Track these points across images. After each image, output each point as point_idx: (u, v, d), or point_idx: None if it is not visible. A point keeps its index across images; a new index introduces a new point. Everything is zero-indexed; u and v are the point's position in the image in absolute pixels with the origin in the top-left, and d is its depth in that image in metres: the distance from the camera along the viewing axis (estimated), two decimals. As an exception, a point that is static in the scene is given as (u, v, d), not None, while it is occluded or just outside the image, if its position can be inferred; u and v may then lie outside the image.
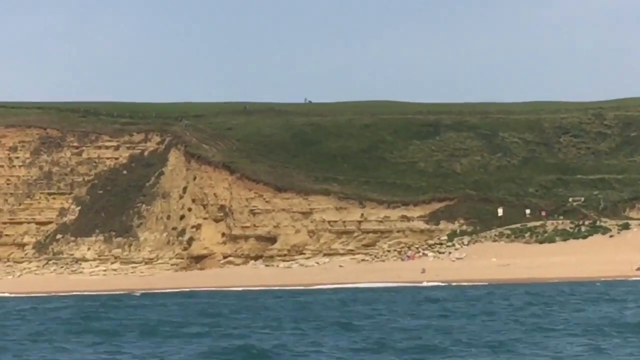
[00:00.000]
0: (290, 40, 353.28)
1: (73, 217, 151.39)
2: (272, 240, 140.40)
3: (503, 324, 51.53)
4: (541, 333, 45.42)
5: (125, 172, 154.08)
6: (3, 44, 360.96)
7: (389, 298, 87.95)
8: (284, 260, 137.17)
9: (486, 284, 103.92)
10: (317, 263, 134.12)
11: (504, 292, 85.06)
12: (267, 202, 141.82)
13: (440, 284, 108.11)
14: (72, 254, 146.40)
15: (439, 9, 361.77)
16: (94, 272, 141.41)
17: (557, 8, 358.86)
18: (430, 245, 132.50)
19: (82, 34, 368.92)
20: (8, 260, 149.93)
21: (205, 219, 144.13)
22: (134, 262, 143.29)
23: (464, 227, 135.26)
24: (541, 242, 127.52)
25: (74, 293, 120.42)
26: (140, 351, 41.57)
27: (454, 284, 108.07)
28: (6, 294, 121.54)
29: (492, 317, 56.60)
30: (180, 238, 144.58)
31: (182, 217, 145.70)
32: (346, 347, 42.91)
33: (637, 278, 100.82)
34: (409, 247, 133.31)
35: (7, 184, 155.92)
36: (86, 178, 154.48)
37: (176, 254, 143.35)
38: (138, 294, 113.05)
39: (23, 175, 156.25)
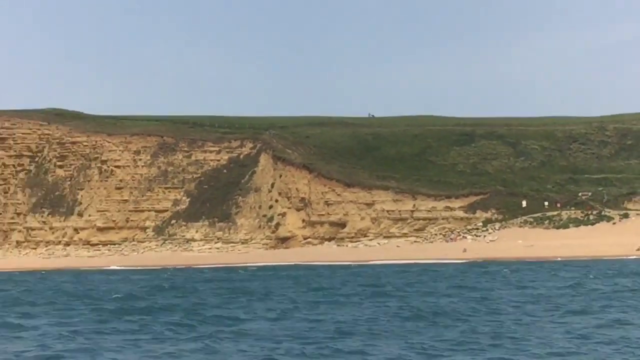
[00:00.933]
0: (357, 64, 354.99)
1: (184, 206, 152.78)
2: (342, 225, 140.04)
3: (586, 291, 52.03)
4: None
5: (225, 171, 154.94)
6: (133, 65, 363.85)
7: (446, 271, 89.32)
8: (351, 241, 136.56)
9: (514, 260, 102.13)
10: (378, 244, 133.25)
11: (554, 267, 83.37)
12: (338, 195, 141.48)
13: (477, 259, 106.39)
14: (183, 236, 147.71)
15: (477, 45, 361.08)
16: (201, 249, 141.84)
17: (570, 43, 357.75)
18: (468, 230, 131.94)
19: (188, 59, 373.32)
20: (133, 240, 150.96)
21: (289, 208, 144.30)
22: (233, 242, 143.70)
23: (495, 216, 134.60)
24: (557, 228, 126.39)
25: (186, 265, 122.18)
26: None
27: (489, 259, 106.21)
28: (132, 267, 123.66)
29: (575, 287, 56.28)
30: (269, 223, 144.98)
31: (270, 207, 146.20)
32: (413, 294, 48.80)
33: (639, 257, 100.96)
34: (451, 231, 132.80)
35: (132, 180, 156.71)
36: (194, 176, 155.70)
37: (266, 236, 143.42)
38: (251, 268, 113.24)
39: (145, 174, 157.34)
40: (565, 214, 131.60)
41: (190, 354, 28.78)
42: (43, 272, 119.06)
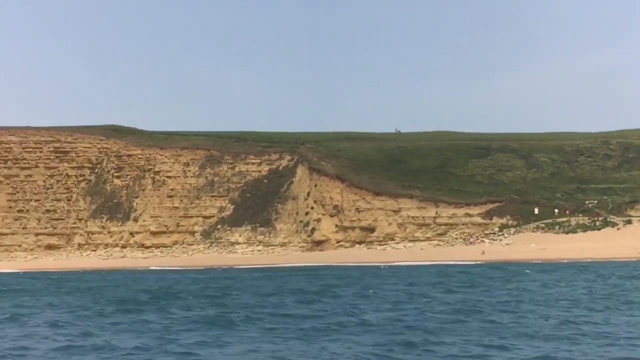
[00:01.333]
0: (384, 86, 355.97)
1: (229, 213, 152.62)
2: (372, 230, 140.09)
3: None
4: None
5: (265, 181, 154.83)
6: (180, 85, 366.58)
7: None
8: (380, 244, 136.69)
9: (527, 261, 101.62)
10: (404, 247, 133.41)
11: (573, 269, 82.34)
12: (368, 203, 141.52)
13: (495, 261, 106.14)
14: (228, 239, 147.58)
15: (493, 67, 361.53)
16: (244, 252, 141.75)
17: (577, 65, 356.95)
18: (486, 234, 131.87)
19: (231, 81, 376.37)
20: (183, 243, 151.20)
21: (323, 214, 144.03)
22: (273, 245, 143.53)
23: (510, 222, 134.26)
24: (567, 233, 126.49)
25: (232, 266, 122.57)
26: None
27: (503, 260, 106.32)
28: (182, 267, 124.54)
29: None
30: (305, 228, 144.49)
31: (306, 213, 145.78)
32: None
33: None
34: (470, 236, 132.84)
35: (182, 189, 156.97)
36: (238, 185, 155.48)
37: (302, 240, 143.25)
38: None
39: (193, 183, 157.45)
40: (573, 220, 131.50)
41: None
42: (103, 271, 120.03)
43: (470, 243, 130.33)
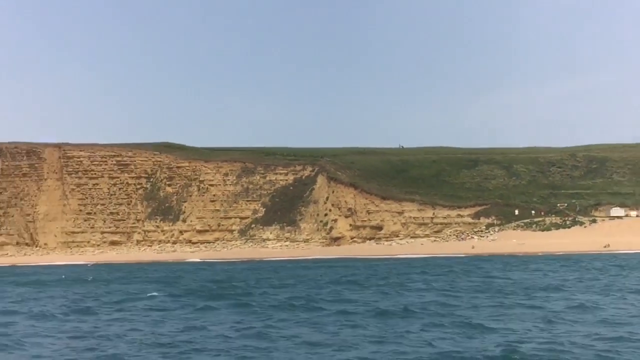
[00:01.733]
0: (390, 109, 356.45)
1: (261, 214, 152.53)
2: (379, 228, 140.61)
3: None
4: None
5: (291, 188, 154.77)
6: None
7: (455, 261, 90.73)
8: (386, 240, 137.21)
9: (509, 254, 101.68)
10: (407, 242, 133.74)
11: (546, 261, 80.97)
12: (376, 206, 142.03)
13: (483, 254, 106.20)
14: (260, 236, 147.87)
15: (480, 92, 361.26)
16: (274, 246, 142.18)
17: (548, 91, 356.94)
18: (475, 232, 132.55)
19: (261, 105, 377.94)
20: (223, 240, 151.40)
21: (339, 216, 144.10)
22: (297, 241, 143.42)
23: (495, 221, 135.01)
24: (542, 230, 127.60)
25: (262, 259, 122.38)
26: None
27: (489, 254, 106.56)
28: (222, 259, 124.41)
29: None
30: (324, 227, 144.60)
31: (325, 215, 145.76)
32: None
33: (606, 252, 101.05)
34: (462, 233, 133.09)
35: (222, 195, 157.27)
36: (268, 192, 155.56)
37: (322, 237, 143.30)
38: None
39: (231, 190, 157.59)
40: (548, 220, 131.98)
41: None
42: (158, 263, 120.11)
43: (462, 239, 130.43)
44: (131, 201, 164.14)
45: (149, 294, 47.76)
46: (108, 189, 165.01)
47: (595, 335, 25.59)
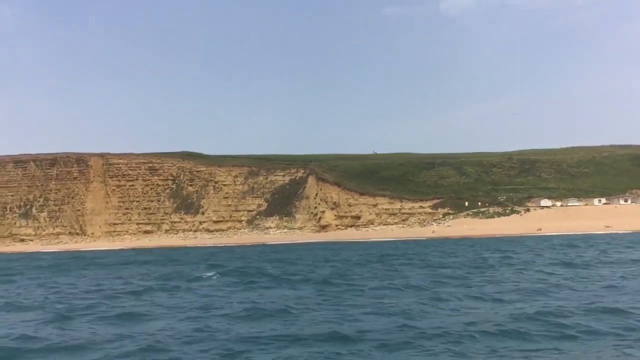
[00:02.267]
0: (366, 120, 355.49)
1: (264, 208, 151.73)
2: (358, 217, 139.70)
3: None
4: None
5: (287, 187, 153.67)
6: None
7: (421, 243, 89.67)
8: (364, 227, 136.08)
9: (462, 237, 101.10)
10: (380, 229, 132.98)
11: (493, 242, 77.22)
12: (355, 200, 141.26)
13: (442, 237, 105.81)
14: (264, 225, 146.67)
15: (439, 108, 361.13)
16: (275, 233, 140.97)
17: (489, 107, 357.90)
18: (434, 220, 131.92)
19: (261, 120, 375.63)
20: (234, 228, 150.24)
21: (326, 208, 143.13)
22: (293, 229, 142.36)
23: (450, 211, 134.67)
24: (487, 218, 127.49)
25: (265, 243, 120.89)
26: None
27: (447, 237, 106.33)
28: (234, 244, 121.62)
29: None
30: (315, 217, 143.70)
31: (315, 207, 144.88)
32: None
33: (539, 234, 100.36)
34: (424, 221, 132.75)
35: (233, 193, 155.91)
36: (269, 190, 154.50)
37: (313, 225, 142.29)
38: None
39: (240, 189, 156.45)
40: (491, 210, 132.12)
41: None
42: (183, 247, 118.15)
43: (424, 226, 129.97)
44: (160, 199, 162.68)
45: (205, 274, 39.98)
46: (142, 189, 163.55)
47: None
